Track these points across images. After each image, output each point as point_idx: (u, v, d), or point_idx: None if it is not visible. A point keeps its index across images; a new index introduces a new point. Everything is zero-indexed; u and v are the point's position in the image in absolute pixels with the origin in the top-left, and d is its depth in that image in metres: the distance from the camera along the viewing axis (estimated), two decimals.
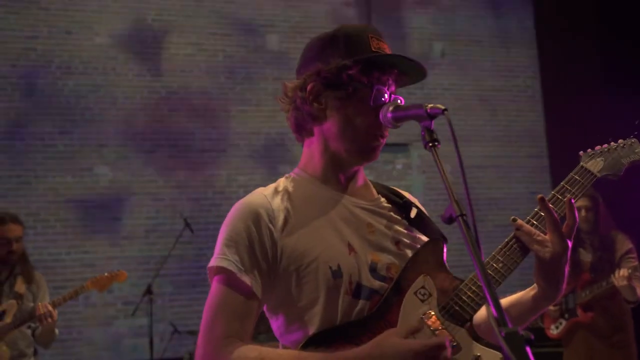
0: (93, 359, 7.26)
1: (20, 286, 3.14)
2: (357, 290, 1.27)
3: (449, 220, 1.14)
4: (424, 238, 1.42)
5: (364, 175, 1.45)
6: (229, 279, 1.25)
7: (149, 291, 5.03)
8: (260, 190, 1.36)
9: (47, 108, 7.51)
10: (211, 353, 1.21)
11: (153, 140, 7.78)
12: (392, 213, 1.41)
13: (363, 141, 1.36)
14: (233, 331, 1.23)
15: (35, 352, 3.23)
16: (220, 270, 1.26)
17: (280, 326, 1.31)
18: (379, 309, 1.26)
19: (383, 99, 1.33)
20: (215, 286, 1.27)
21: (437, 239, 1.39)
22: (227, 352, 1.20)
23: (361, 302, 1.27)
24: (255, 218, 1.28)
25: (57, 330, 3.16)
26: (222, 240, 1.29)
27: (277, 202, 1.32)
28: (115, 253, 7.32)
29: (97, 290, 3.29)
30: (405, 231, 1.41)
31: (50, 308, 3.05)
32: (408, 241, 1.39)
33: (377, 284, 1.29)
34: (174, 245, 5.71)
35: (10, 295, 3.09)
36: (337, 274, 1.25)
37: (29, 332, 3.19)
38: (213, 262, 1.28)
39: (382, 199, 1.44)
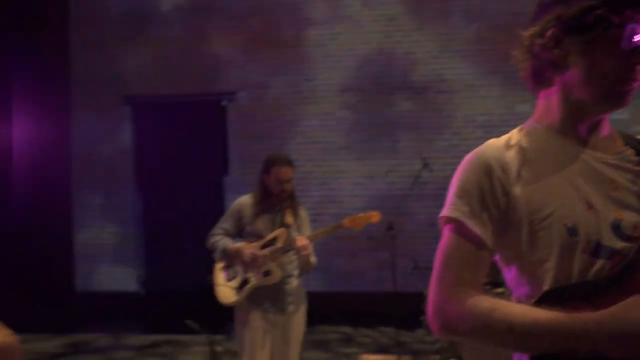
0: (342, 287, 8.02)
1: (288, 218, 3.60)
2: (595, 249, 1.18)
3: None
4: None
5: (609, 125, 1.33)
6: (459, 228, 1.25)
7: (390, 227, 5.35)
8: (492, 141, 1.32)
9: None
10: (443, 300, 1.23)
11: (391, 85, 8.04)
12: (637, 167, 1.27)
13: (613, 86, 1.24)
14: (464, 280, 1.23)
15: (299, 274, 3.68)
16: (451, 220, 1.27)
17: (512, 278, 1.29)
18: (623, 270, 1.16)
19: (637, 39, 1.19)
20: (446, 235, 1.28)
21: None
22: (459, 300, 1.21)
23: (600, 262, 1.18)
24: (487, 170, 1.26)
25: (313, 259, 3.54)
26: (453, 191, 1.30)
27: (510, 155, 1.27)
28: (359, 191, 7.87)
29: (352, 227, 3.59)
30: None
31: (305, 242, 3.42)
32: None
33: (620, 244, 1.19)
34: (412, 184, 5.96)
35: (282, 225, 3.59)
36: (573, 231, 1.19)
37: (295, 257, 3.65)
38: (444, 212, 1.29)
39: (630, 152, 1.30)
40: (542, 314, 1.14)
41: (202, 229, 3.66)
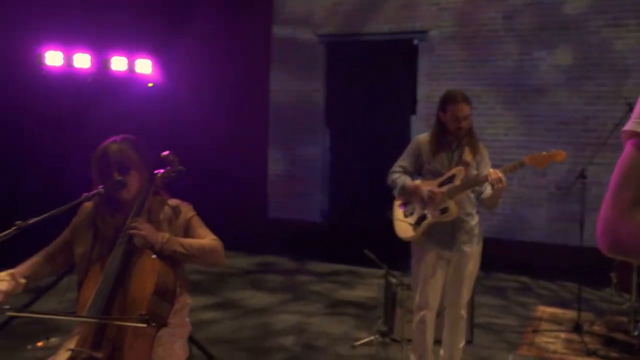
0: (523, 236, 7.69)
1: (467, 155, 3.50)
2: None
3: None
4: None
5: None
6: None
7: (582, 176, 4.89)
8: None
9: None
10: (616, 218, 1.16)
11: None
12: None
13: None
14: None
15: (477, 213, 3.59)
16: (634, 134, 1.18)
17: None
18: None
19: None
20: (628, 150, 1.20)
21: None
22: (631, 219, 1.14)
23: None
24: None
25: (501, 200, 3.41)
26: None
27: None
28: (552, 137, 7.36)
29: (535, 166, 3.36)
30: None
31: (500, 175, 3.25)
32: None
33: None
34: (611, 132, 5.40)
35: (459, 163, 3.52)
36: None
37: (472, 195, 3.57)
38: (628, 125, 1.20)
39: None
40: None
41: (386, 167, 3.72)
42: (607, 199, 1.21)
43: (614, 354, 4.28)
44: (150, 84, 7.16)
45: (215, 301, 5.32)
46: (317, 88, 8.89)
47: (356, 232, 8.13)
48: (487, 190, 3.45)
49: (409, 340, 3.90)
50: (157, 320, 2.14)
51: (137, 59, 6.64)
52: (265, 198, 9.18)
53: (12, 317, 4.09)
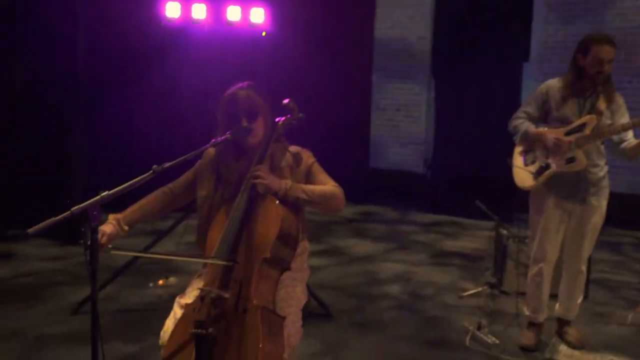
0: None
1: (601, 103, 3.25)
2: None
3: None
4: None
5: None
6: None
7: None
8: None
9: None
10: None
11: None
12: None
13: None
14: None
15: (605, 163, 3.37)
16: None
17: None
18: None
19: None
20: None
21: None
22: None
23: None
24: None
25: None
26: None
27: None
28: None
29: None
30: None
31: None
32: None
33: None
34: None
35: (592, 111, 3.28)
36: None
37: (602, 146, 3.33)
38: None
39: None
40: None
41: (494, 116, 3.54)
42: None
43: None
44: (263, 33, 7.21)
45: (321, 248, 5.43)
46: (423, 35, 8.63)
47: (459, 184, 7.96)
48: (630, 138, 3.21)
49: (520, 294, 3.81)
50: (281, 264, 2.21)
51: (251, 7, 6.70)
52: (367, 148, 9.15)
53: (136, 258, 4.41)
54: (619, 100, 3.27)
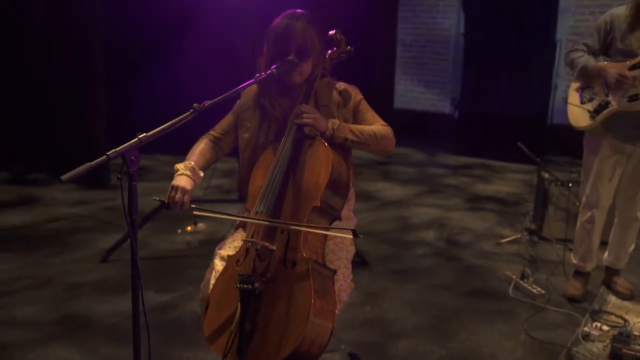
0: None
1: None
2: None
3: None
4: None
5: None
6: None
7: None
8: None
9: None
10: None
11: None
12: None
13: None
14: None
15: None
16: None
17: None
18: None
19: None
20: None
21: None
22: None
23: None
24: None
25: None
26: None
27: None
28: None
29: None
30: None
31: None
32: None
33: None
34: None
35: None
36: None
37: None
38: None
39: None
40: None
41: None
42: None
43: None
44: None
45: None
46: None
47: (487, 125, 7.71)
48: None
49: (562, 240, 3.64)
50: (331, 213, 2.04)
51: None
52: (392, 87, 8.85)
53: (163, 203, 4.28)
54: None
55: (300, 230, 1.94)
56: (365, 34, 8.23)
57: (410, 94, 8.80)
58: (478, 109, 8.29)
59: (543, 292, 3.24)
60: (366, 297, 3.20)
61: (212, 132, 2.26)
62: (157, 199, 2.01)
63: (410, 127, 8.22)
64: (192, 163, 2.08)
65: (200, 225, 4.21)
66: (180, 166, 2.06)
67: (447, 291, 3.33)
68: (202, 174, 2.10)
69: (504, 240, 4.13)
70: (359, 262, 3.61)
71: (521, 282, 3.35)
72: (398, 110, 8.77)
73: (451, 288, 3.38)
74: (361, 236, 1.82)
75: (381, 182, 5.72)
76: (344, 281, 2.08)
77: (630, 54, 2.95)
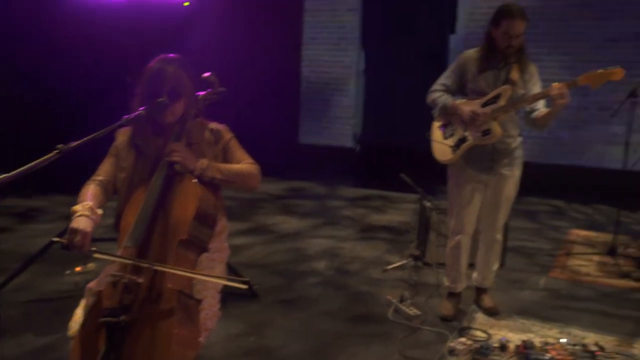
0: (560, 158, 7.53)
1: (514, 74, 3.28)
2: None
3: None
4: None
5: None
6: None
7: (633, 94, 4.60)
8: None
9: None
10: None
11: None
12: None
13: None
14: None
15: (519, 134, 3.45)
16: None
17: None
18: None
19: None
20: None
21: None
22: None
23: None
24: None
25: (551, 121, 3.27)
26: None
27: None
28: (598, 56, 7.04)
29: (589, 85, 3.15)
30: None
31: (565, 90, 3.01)
32: None
33: None
34: None
35: (506, 82, 3.28)
36: None
37: (517, 116, 3.42)
38: None
39: None
40: None
41: (422, 89, 3.56)
42: None
43: None
44: (186, 3, 6.98)
45: (248, 226, 5.39)
46: (352, 6, 8.62)
47: (388, 157, 8.08)
48: (541, 108, 3.27)
49: (441, 265, 3.92)
50: (198, 245, 2.16)
51: None
52: (297, 123, 9.13)
53: (52, 242, 4.21)
54: (532, 69, 3.33)
55: (167, 263, 2.05)
56: (270, 72, 8.50)
57: (314, 129, 9.09)
58: (379, 143, 8.69)
59: (419, 313, 3.47)
60: (252, 327, 3.31)
61: (96, 177, 2.32)
62: (56, 239, 2.05)
63: (314, 161, 8.49)
64: (90, 203, 2.12)
65: (91, 266, 4.17)
66: (78, 207, 2.10)
67: (331, 317, 3.50)
68: (100, 212, 2.15)
69: (390, 267, 4.37)
70: (248, 294, 3.72)
71: (400, 305, 3.57)
72: (302, 145, 9.03)
73: (336, 314, 3.55)
74: (246, 286, 1.94)
75: (280, 215, 5.88)
76: (209, 310, 2.20)
77: (481, 93, 3.31)
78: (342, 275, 4.24)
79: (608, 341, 3.17)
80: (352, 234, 5.31)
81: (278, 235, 5.20)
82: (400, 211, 6.15)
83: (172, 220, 2.13)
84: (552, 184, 7.08)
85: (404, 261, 4.42)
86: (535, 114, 3.28)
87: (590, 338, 3.20)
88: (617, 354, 3.03)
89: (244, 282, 2.08)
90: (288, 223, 5.60)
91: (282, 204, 6.39)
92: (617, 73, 3.08)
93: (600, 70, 3.12)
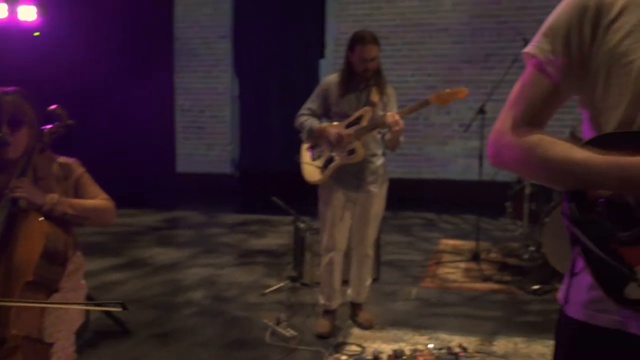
0: (429, 173, 7.97)
1: (374, 96, 3.49)
2: None
3: None
4: None
5: None
6: (538, 65, 1.25)
7: (481, 111, 5.05)
8: None
9: None
10: (504, 130, 1.26)
11: None
12: None
13: None
14: (530, 116, 1.25)
15: (383, 154, 3.64)
16: (531, 56, 1.27)
17: (584, 122, 1.28)
18: None
19: None
20: (526, 71, 1.29)
21: None
22: (517, 133, 1.24)
23: None
24: (581, 9, 1.20)
25: (402, 138, 3.44)
26: (542, 28, 1.27)
27: None
28: (456, 76, 7.56)
29: (439, 104, 3.40)
30: None
31: (397, 117, 3.27)
32: None
33: None
34: (509, 68, 5.59)
35: (367, 104, 3.47)
36: None
37: (379, 136, 3.60)
38: (528, 47, 1.28)
39: None
40: (579, 153, 1.15)
41: (296, 112, 3.66)
42: (502, 112, 1.30)
43: (507, 278, 4.58)
44: (36, 33, 6.63)
45: (121, 262, 5.18)
46: (223, 34, 8.65)
47: (267, 181, 8.12)
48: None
49: (317, 284, 3.98)
50: (47, 286, 2.04)
51: (19, 5, 6.11)
52: (173, 152, 8.95)
53: None
54: (390, 92, 3.56)
55: (10, 307, 1.91)
56: (142, 101, 8.28)
57: (191, 157, 8.96)
58: (256, 167, 8.73)
59: (296, 334, 3.49)
60: None
61: None
62: None
63: (193, 190, 8.35)
64: None
65: None
66: None
67: (208, 346, 3.43)
68: None
69: (268, 290, 4.37)
70: (119, 331, 3.56)
71: (276, 327, 3.58)
72: (181, 174, 8.86)
73: (212, 343, 3.48)
74: (120, 308, 1.87)
75: (156, 247, 5.70)
76: (63, 352, 2.09)
77: (345, 115, 3.47)
78: (220, 302, 4.18)
79: (471, 342, 3.37)
80: (230, 260, 5.26)
81: (154, 267, 5.03)
82: (279, 234, 6.19)
83: (15, 261, 2.00)
84: (424, 197, 7.46)
85: (282, 283, 4.44)
86: (386, 136, 3.48)
87: (456, 341, 3.38)
88: (478, 352, 3.22)
89: (118, 304, 1.97)
90: (165, 255, 5.44)
91: (159, 236, 6.21)
92: (462, 92, 3.37)
93: (447, 90, 3.38)
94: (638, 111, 1.15)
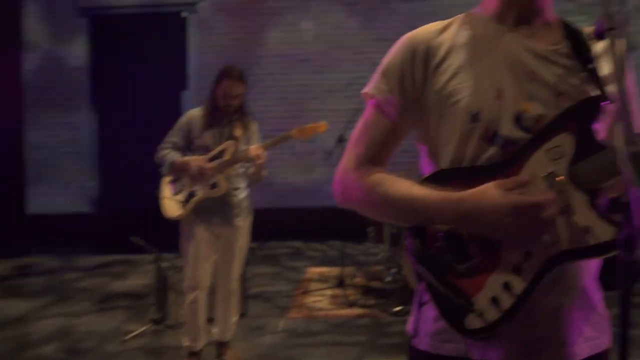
0: (296, 202, 8.05)
1: (237, 131, 3.48)
2: (492, 137, 1.20)
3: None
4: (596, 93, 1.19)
5: (552, 14, 1.27)
6: (377, 105, 1.30)
7: (341, 140, 5.22)
8: (430, 25, 1.32)
9: None
10: (348, 169, 1.31)
11: None
12: (570, 61, 1.21)
13: None
14: (371, 154, 1.30)
15: (247, 187, 3.62)
16: (370, 96, 1.32)
17: (422, 159, 1.35)
18: (507, 160, 1.18)
19: None
20: (367, 110, 1.33)
21: (596, 98, 1.16)
22: (360, 172, 1.29)
23: (492, 149, 1.20)
24: (412, 52, 1.27)
25: (266, 172, 3.47)
26: (379, 69, 1.33)
27: (442, 39, 1.27)
28: (318, 105, 7.73)
29: (301, 138, 3.47)
30: (578, 83, 1.21)
31: (259, 151, 3.32)
32: (575, 94, 1.20)
33: (517, 134, 1.19)
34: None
35: (230, 138, 3.45)
36: (475, 118, 1.20)
37: (242, 169, 3.57)
38: (366, 87, 1.33)
39: (565, 44, 1.23)
40: (417, 190, 1.21)
41: (158, 145, 3.55)
42: (346, 151, 1.34)
43: (371, 301, 4.70)
44: None
45: None
46: (80, 64, 8.20)
47: (129, 218, 7.73)
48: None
49: (184, 323, 3.81)
50: None
51: None
52: (22, 193, 8.26)
53: None
54: (253, 127, 3.58)
55: None
56: None
57: (45, 197, 8.32)
58: (118, 204, 8.30)
59: None
60: None
61: None
62: None
63: (46, 232, 7.74)
64: None
65: None
66: None
67: None
68: None
69: (128, 337, 4.11)
70: None
71: None
72: (32, 217, 8.19)
73: None
74: None
75: (3, 299, 5.19)
76: None
77: (207, 149, 3.44)
78: (74, 356, 3.87)
79: None
80: (87, 307, 4.91)
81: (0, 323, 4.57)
82: (142, 274, 5.89)
83: None
84: (291, 227, 7.50)
85: (144, 327, 4.21)
86: (250, 170, 3.50)
87: None
88: None
89: None
90: (12, 307, 4.96)
91: (6, 286, 5.67)
92: (321, 127, 3.54)
93: (309, 125, 3.50)
94: (466, 148, 1.22)
